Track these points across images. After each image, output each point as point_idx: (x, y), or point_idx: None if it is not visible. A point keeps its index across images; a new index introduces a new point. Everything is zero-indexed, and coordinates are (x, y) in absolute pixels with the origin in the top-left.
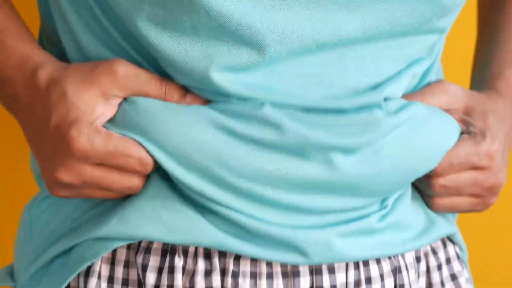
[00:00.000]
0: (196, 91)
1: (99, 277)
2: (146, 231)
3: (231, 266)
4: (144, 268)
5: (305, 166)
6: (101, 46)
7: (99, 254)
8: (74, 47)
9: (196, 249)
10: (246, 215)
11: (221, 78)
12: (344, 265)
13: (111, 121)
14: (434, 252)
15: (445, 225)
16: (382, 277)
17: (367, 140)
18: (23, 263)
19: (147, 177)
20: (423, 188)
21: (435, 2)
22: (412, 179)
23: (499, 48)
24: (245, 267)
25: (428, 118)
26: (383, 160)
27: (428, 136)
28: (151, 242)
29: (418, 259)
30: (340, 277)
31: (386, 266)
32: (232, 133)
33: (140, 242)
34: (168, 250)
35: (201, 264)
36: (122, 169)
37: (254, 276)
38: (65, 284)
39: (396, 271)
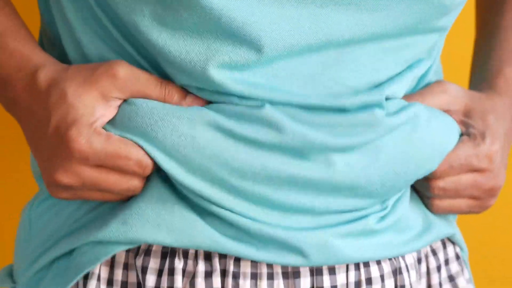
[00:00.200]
0: (196, 91)
1: (98, 279)
2: (147, 235)
3: (231, 267)
4: (144, 270)
5: (305, 166)
6: (101, 46)
7: (99, 260)
8: (74, 47)
9: (196, 251)
10: (245, 217)
11: (220, 76)
12: (344, 265)
13: (111, 122)
14: (434, 253)
15: (444, 226)
16: (382, 278)
17: (366, 140)
18: (22, 264)
19: (147, 179)
20: (422, 190)
21: (435, 1)
22: (412, 181)
23: (497, 47)
24: (246, 268)
25: (428, 120)
26: (382, 161)
27: (428, 137)
28: (150, 245)
29: (419, 260)
30: (340, 278)
31: (387, 267)
32: (232, 134)
33: (139, 245)
34: (168, 252)
35: (201, 266)
36: (121, 171)
37: (254, 277)
38: None
39: (396, 272)
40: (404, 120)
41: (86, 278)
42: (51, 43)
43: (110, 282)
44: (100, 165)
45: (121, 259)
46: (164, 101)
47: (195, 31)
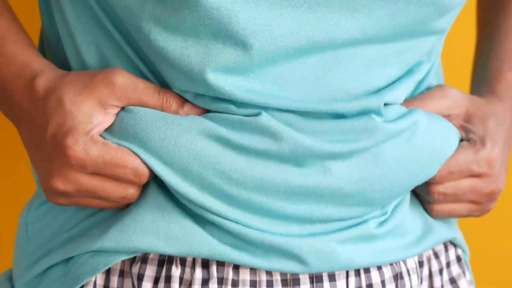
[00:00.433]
0: (194, 99)
1: (94, 286)
2: (146, 244)
3: (230, 275)
4: (140, 277)
5: (302, 174)
6: (100, 51)
7: (98, 270)
8: (74, 53)
9: (194, 258)
10: (243, 225)
11: (218, 80)
12: (344, 272)
13: (108, 130)
14: (436, 256)
15: (445, 230)
16: (383, 283)
17: (364, 147)
18: (20, 268)
19: (145, 186)
20: (422, 194)
21: (433, 2)
22: (411, 187)
23: (498, 49)
24: (245, 275)
25: (428, 126)
26: (381, 168)
27: (428, 144)
28: (147, 252)
29: (421, 264)
30: (340, 284)
31: (387, 272)
32: (229, 142)
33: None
34: (165, 260)
35: (198, 273)
36: (118, 179)
37: (253, 284)
38: None
39: (397, 277)
40: (404, 127)
41: (82, 284)
42: (52, 49)
43: None
44: (97, 173)
45: (117, 266)
46: (162, 109)
47: (194, 32)
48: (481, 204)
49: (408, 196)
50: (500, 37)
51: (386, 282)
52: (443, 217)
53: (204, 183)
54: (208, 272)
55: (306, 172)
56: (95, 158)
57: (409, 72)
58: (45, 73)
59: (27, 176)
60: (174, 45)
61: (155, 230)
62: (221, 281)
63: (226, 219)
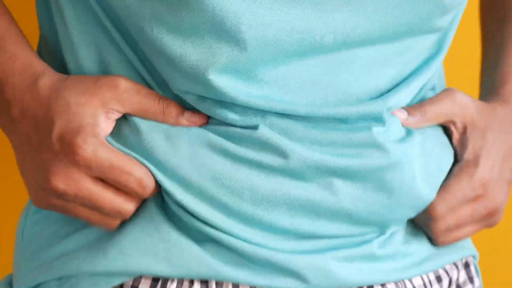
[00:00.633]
0: (196, 102)
1: None
2: (146, 266)
3: None
4: None
5: (305, 189)
6: (99, 52)
7: None
8: (72, 54)
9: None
10: (243, 240)
11: (218, 80)
12: None
13: (113, 136)
14: (456, 266)
15: (454, 251)
16: None
17: (367, 166)
18: (16, 275)
19: (141, 207)
20: (427, 232)
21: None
22: (411, 215)
23: (505, 56)
24: None
25: (428, 153)
26: (384, 195)
27: (427, 172)
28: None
29: (438, 279)
30: None
31: None
32: (230, 155)
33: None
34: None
35: (197, 286)
36: (120, 187)
37: None
38: None
39: None
40: (407, 152)
41: None
42: (49, 51)
43: None
44: (100, 178)
45: None
46: (162, 115)
47: (195, 32)
48: (484, 221)
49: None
50: (507, 45)
51: None
52: (452, 243)
53: (205, 195)
54: (207, 287)
55: (309, 188)
56: (103, 161)
57: (412, 74)
58: (47, 75)
59: None
60: (174, 45)
61: (154, 253)
62: None
63: (225, 233)
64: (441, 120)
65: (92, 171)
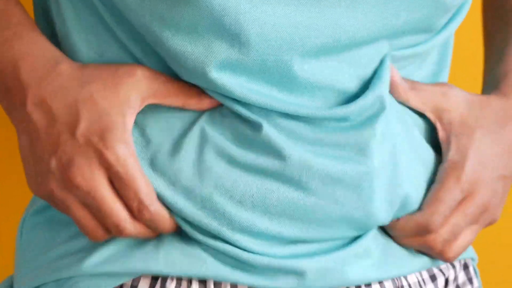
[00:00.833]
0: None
1: None
2: (146, 266)
3: None
4: None
5: (304, 195)
6: (100, 54)
7: None
8: (72, 56)
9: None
10: (243, 249)
11: (220, 77)
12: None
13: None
14: (453, 265)
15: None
16: None
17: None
18: (16, 277)
19: None
20: (427, 252)
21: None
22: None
23: (506, 55)
24: None
25: (409, 161)
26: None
27: (414, 175)
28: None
29: (433, 278)
30: None
31: (389, 286)
32: (232, 160)
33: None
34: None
35: (195, 286)
36: (124, 199)
37: None
38: None
39: None
40: (388, 159)
41: None
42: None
43: None
44: (113, 183)
45: None
46: (183, 101)
47: (194, 28)
48: (480, 220)
49: None
50: (509, 43)
51: None
52: (460, 254)
53: (205, 200)
54: (205, 287)
55: (309, 194)
56: (122, 167)
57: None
58: (66, 60)
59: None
60: (174, 42)
61: (155, 254)
62: None
63: (224, 242)
64: (426, 108)
65: (110, 173)
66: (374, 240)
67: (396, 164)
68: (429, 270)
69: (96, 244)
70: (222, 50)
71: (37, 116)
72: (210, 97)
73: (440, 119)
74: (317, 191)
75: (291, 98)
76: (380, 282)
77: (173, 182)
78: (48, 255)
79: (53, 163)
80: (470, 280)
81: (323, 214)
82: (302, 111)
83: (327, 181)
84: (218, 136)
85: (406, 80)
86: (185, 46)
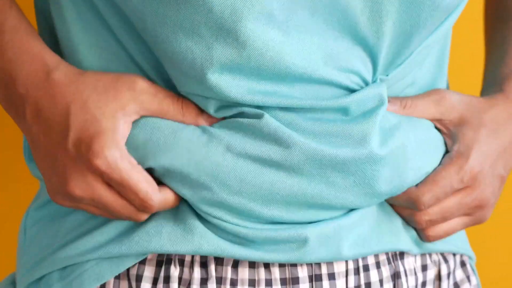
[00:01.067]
0: (200, 103)
1: None
2: (152, 245)
3: (229, 274)
4: (139, 278)
5: (305, 184)
6: (100, 54)
7: (104, 278)
8: (73, 56)
9: (192, 258)
10: (244, 227)
11: (218, 81)
12: (344, 271)
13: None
14: (446, 260)
15: (445, 245)
16: (381, 282)
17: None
18: (20, 273)
19: None
20: (411, 223)
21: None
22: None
23: (508, 57)
24: (243, 274)
25: (414, 150)
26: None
27: (413, 167)
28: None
29: (424, 268)
30: (340, 283)
31: (386, 271)
32: (232, 150)
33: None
34: (164, 260)
35: (197, 273)
36: (128, 200)
37: (252, 283)
38: None
39: (395, 276)
40: (393, 149)
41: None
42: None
43: None
44: (112, 186)
45: None
46: (182, 116)
47: (195, 31)
48: (473, 214)
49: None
50: (510, 43)
51: (384, 281)
52: (441, 238)
53: (204, 189)
54: (207, 272)
55: (309, 182)
56: (114, 175)
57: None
58: (61, 68)
59: (27, 176)
60: (174, 43)
61: (159, 232)
62: (219, 280)
63: (226, 222)
64: (424, 117)
65: (105, 179)
66: (369, 209)
67: (400, 155)
68: (422, 259)
69: (98, 228)
70: (222, 52)
71: (35, 128)
72: (208, 114)
73: (440, 121)
74: (318, 177)
75: (293, 92)
76: (378, 268)
77: (168, 168)
78: (52, 247)
79: (54, 179)
80: (468, 278)
81: (324, 200)
82: (303, 103)
83: (327, 167)
84: (218, 127)
85: (395, 100)
86: (185, 47)
